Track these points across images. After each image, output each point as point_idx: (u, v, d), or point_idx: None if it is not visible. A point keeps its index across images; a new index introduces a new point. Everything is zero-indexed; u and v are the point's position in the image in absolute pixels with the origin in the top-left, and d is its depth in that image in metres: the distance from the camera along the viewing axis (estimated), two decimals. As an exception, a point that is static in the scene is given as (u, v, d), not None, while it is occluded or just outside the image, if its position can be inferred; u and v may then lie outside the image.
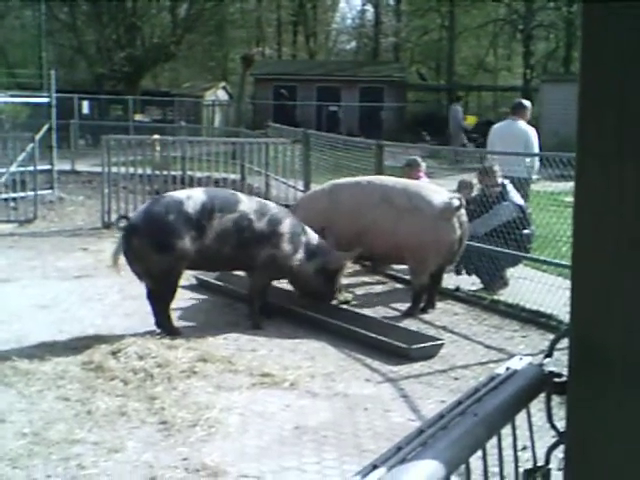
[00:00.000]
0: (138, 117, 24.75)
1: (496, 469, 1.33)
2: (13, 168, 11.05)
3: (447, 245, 6.25)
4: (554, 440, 1.30)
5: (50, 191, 12.13)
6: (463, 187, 7.47)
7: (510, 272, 7.10)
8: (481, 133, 22.17)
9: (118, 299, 6.64)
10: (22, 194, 10.95)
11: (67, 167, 15.71)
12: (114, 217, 10.19)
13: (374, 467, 1.04)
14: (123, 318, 6.06)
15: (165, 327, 5.58)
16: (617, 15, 1.03)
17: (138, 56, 29.12)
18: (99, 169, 11.23)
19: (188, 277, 7.27)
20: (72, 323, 5.85)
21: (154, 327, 5.74)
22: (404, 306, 6.46)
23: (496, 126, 8.56)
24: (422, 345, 5.32)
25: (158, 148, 11.29)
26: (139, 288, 6.97)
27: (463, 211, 6.33)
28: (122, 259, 5.63)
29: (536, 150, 8.00)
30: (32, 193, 10.73)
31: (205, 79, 36.73)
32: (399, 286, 7.39)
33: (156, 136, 11.75)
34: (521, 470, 1.36)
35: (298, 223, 6.07)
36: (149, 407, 4.28)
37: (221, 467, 3.62)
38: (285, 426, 4.13)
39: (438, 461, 1.06)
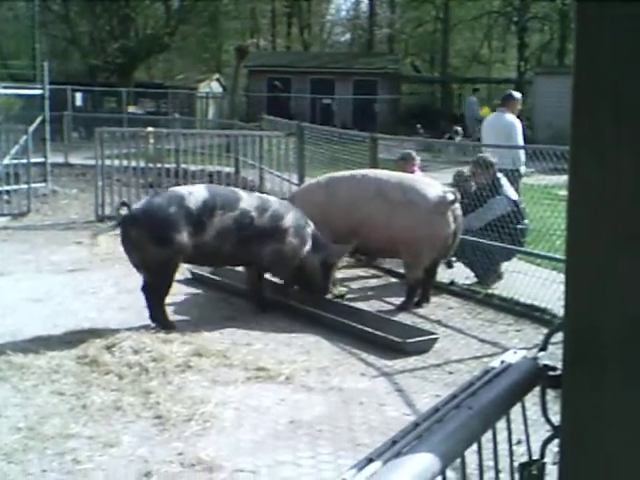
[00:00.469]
0: (132, 109, 24.67)
1: (491, 463, 1.33)
2: (6, 161, 11.00)
3: (442, 239, 6.25)
4: (549, 434, 1.30)
5: (43, 184, 12.09)
6: (460, 179, 7.44)
7: (504, 266, 7.11)
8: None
9: (113, 293, 6.63)
10: (15, 187, 10.91)
11: (60, 160, 15.65)
12: (108, 210, 10.19)
13: (370, 461, 1.05)
14: (118, 312, 6.05)
15: (159, 321, 5.58)
16: (610, 11, 1.03)
17: (132, 47, 29.02)
18: (93, 162, 11.21)
19: (183, 271, 7.26)
20: (66, 317, 5.84)
21: (149, 321, 5.73)
22: (398, 300, 6.47)
23: (487, 118, 8.65)
24: (417, 339, 5.33)
25: (152, 140, 11.26)
26: (134, 282, 6.96)
27: (457, 205, 6.33)
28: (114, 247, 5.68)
29: (519, 142, 8.03)
30: (25, 186, 10.69)
31: (199, 71, 36.65)
32: (394, 280, 7.40)
33: (150, 128, 11.71)
34: (516, 464, 1.36)
35: (302, 216, 6.10)
36: (144, 401, 4.28)
37: (216, 461, 3.62)
38: (280, 420, 4.14)
39: (433, 454, 1.06)
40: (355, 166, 8.11)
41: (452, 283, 7.02)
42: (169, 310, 6.13)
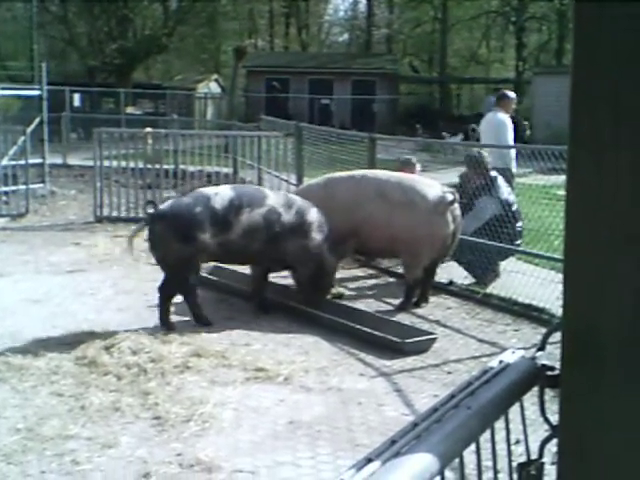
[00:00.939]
0: (130, 110, 24.67)
1: (490, 463, 1.33)
2: (4, 162, 10.99)
3: (441, 239, 6.26)
4: (547, 434, 1.30)
5: (42, 185, 12.08)
6: (464, 180, 7.42)
7: (502, 266, 7.11)
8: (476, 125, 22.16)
9: (111, 294, 6.63)
10: (14, 188, 10.90)
11: (59, 161, 15.65)
12: (106, 211, 10.19)
13: (369, 461, 1.05)
14: (116, 313, 6.05)
15: (199, 317, 5.73)
16: (609, 11, 1.03)
17: (130, 48, 29.02)
18: (91, 163, 11.19)
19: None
20: (65, 318, 5.84)
21: (147, 322, 5.73)
22: (397, 300, 6.47)
23: (485, 117, 8.70)
24: (415, 339, 5.33)
25: (150, 141, 11.25)
26: (132, 283, 6.98)
27: (457, 205, 6.33)
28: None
29: (508, 141, 8.03)
30: (24, 187, 10.69)
31: (197, 71, 36.64)
32: (392, 280, 7.40)
33: (148, 129, 11.70)
34: (515, 464, 1.37)
35: (322, 213, 6.13)
36: (143, 402, 4.28)
37: (215, 462, 3.62)
38: (279, 421, 4.13)
39: (432, 454, 1.07)
40: (354, 166, 8.11)
41: (451, 283, 7.02)
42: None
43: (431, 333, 5.53)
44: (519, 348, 1.51)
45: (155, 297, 6.48)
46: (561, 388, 1.16)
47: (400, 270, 7.05)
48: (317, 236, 6.01)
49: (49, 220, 10.33)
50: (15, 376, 4.60)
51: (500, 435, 1.32)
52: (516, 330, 5.86)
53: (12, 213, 10.44)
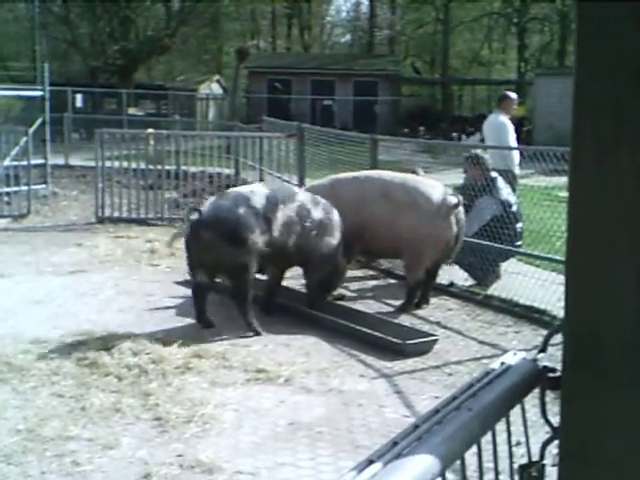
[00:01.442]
0: (132, 111, 24.72)
1: (491, 465, 1.33)
2: (6, 162, 11.01)
3: (443, 241, 6.25)
4: (548, 435, 1.30)
5: (44, 186, 12.09)
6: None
7: (503, 267, 7.11)
8: (477, 126, 22.18)
9: (112, 294, 6.63)
10: (15, 189, 10.92)
11: (61, 161, 15.67)
12: (108, 212, 10.19)
13: (370, 462, 1.04)
14: (117, 314, 6.05)
15: (249, 324, 5.59)
16: (611, 12, 1.03)
17: (132, 49, 29.06)
18: (93, 163, 11.21)
19: (183, 272, 7.26)
20: (66, 319, 5.84)
21: (148, 323, 5.73)
22: (398, 301, 6.47)
23: (487, 119, 8.70)
24: (416, 341, 5.33)
25: (152, 142, 11.26)
26: (133, 284, 6.98)
27: (461, 208, 6.33)
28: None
29: (508, 143, 8.00)
30: (26, 188, 10.70)
31: (199, 72, 36.68)
32: (393, 281, 7.40)
33: (150, 130, 11.72)
34: (516, 466, 1.36)
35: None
36: (143, 403, 4.28)
37: (216, 463, 3.62)
38: (280, 422, 4.13)
39: (433, 456, 1.06)
40: (355, 167, 8.11)
41: (451, 285, 7.01)
42: (169, 312, 6.15)
43: (432, 335, 5.52)
44: (520, 350, 1.51)
45: (157, 298, 6.51)
46: (562, 390, 1.16)
47: (401, 272, 7.04)
48: (338, 236, 6.09)
49: (51, 221, 10.33)
50: (16, 377, 4.60)
51: (501, 437, 1.31)
52: (517, 332, 5.85)
53: (14, 214, 10.45)
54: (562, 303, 1.14)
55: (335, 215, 6.11)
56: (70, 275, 7.24)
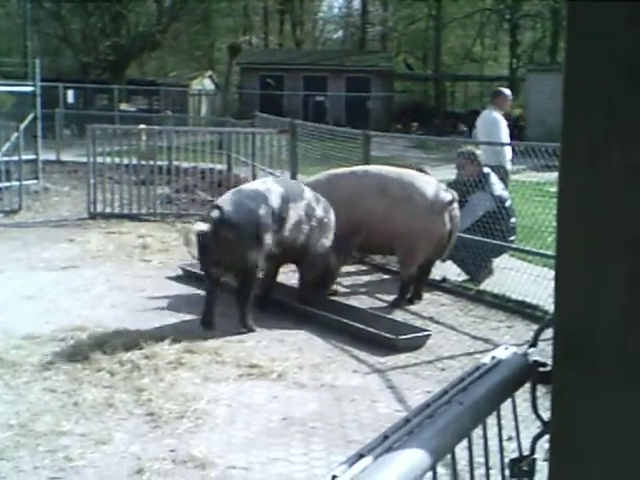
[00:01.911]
0: (124, 106, 24.62)
1: (482, 459, 1.34)
2: (-2, 158, 10.97)
3: (437, 237, 6.26)
4: (539, 430, 1.31)
5: (35, 181, 12.04)
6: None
7: (496, 263, 7.13)
8: (468, 123, 22.19)
9: (105, 290, 6.62)
10: (7, 184, 10.88)
11: (52, 157, 15.61)
12: (100, 207, 10.16)
13: (360, 456, 1.05)
14: (110, 309, 6.04)
15: (245, 323, 5.55)
16: (602, 9, 1.04)
17: (123, 45, 28.96)
18: (84, 159, 11.17)
19: (175, 268, 7.26)
20: (58, 314, 5.83)
21: (141, 318, 5.73)
22: (391, 297, 6.48)
23: (480, 115, 8.71)
24: (409, 336, 5.34)
25: (144, 138, 11.23)
26: (125, 279, 6.97)
27: (455, 205, 6.34)
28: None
29: (499, 139, 7.99)
30: (17, 183, 10.66)
31: (191, 68, 36.57)
32: (386, 277, 7.41)
33: (142, 126, 11.69)
34: (507, 460, 1.37)
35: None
36: (136, 399, 4.28)
37: (209, 458, 3.62)
38: (272, 417, 4.14)
39: (424, 450, 1.07)
40: (348, 163, 8.10)
41: (444, 280, 7.03)
42: (161, 307, 6.14)
43: (425, 330, 5.54)
44: (512, 345, 1.52)
45: (149, 294, 6.50)
46: (552, 385, 1.16)
47: (393, 267, 7.05)
48: (332, 236, 6.10)
49: (42, 216, 10.30)
50: (8, 372, 4.59)
51: (492, 431, 1.32)
52: (509, 327, 5.87)
53: (5, 209, 10.41)
54: (553, 299, 1.14)
55: (332, 214, 6.11)
56: (62, 271, 7.22)
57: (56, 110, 18.42)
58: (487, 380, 1.29)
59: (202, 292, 6.64)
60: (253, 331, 5.54)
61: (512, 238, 7.05)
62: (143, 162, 10.76)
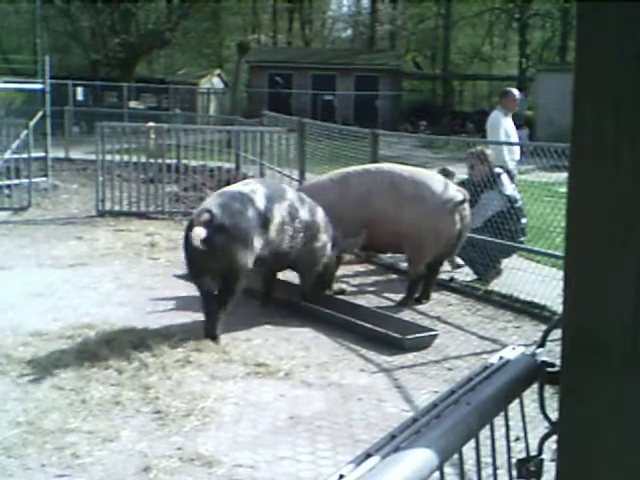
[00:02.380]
0: (133, 104, 24.66)
1: (489, 459, 1.34)
2: (7, 155, 11.01)
3: (446, 236, 6.24)
4: (547, 430, 1.30)
5: (44, 179, 12.09)
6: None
7: (504, 263, 7.11)
8: (476, 122, 22.17)
9: (113, 288, 6.64)
10: (16, 181, 10.93)
11: (61, 154, 15.66)
12: (108, 205, 10.19)
13: (368, 455, 1.05)
14: (118, 307, 6.06)
15: (209, 328, 5.30)
16: (612, 8, 1.03)
17: (133, 42, 29.00)
18: (93, 157, 11.21)
19: (182, 266, 7.26)
20: (66, 311, 5.85)
21: (149, 316, 5.74)
22: (398, 296, 6.47)
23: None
24: (416, 335, 5.34)
25: (153, 136, 11.25)
26: (133, 277, 6.99)
27: (466, 205, 6.33)
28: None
29: (497, 139, 7.92)
30: (26, 181, 10.70)
31: (200, 66, 36.61)
32: (393, 276, 7.40)
33: (151, 124, 11.70)
34: (514, 460, 1.37)
35: (326, 214, 6.11)
36: (143, 396, 4.29)
37: (215, 456, 3.63)
38: (279, 416, 4.14)
39: (432, 449, 1.07)
40: (356, 162, 8.10)
41: (452, 280, 7.02)
42: (169, 305, 6.15)
43: (432, 329, 5.53)
44: (520, 345, 1.51)
45: (157, 292, 6.52)
46: (561, 385, 1.16)
47: (402, 267, 7.04)
48: (324, 237, 6.02)
49: (51, 214, 10.33)
50: (16, 369, 4.61)
51: (500, 431, 1.32)
52: (517, 327, 5.86)
53: (14, 207, 10.45)
54: (562, 299, 1.14)
55: (320, 216, 6.00)
56: (70, 268, 7.25)
57: (65, 108, 18.47)
58: (495, 380, 1.29)
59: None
60: (215, 339, 5.24)
61: (522, 239, 7.03)
62: (152, 160, 10.78)
